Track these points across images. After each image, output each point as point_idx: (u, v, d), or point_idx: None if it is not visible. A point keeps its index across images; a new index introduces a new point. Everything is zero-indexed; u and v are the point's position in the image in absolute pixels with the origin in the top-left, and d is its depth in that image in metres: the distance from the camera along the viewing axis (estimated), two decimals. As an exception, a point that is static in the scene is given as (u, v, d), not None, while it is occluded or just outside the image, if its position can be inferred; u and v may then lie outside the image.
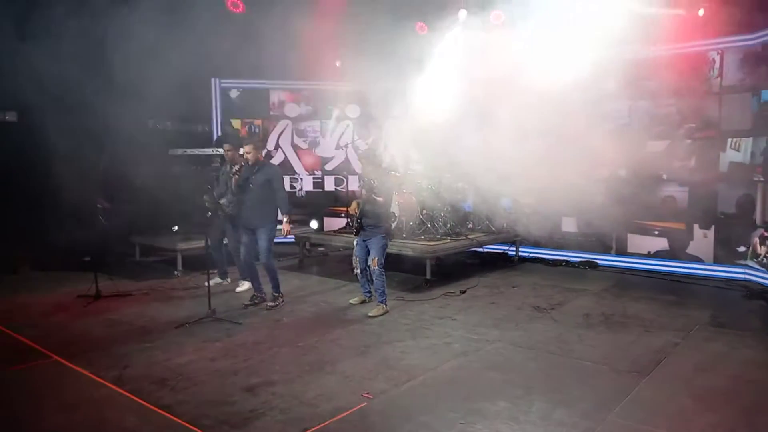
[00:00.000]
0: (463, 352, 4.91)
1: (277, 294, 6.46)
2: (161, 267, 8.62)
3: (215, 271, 7.46)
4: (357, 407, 3.83)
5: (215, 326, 5.65)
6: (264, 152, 6.75)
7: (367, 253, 6.26)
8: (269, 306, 6.35)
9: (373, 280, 6.27)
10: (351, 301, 6.59)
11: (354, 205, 6.26)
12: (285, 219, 6.39)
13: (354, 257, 6.46)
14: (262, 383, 4.23)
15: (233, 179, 6.44)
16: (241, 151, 6.65)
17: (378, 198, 6.03)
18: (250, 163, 6.33)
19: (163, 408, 3.84)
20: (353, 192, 10.63)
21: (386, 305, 6.19)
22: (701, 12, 7.51)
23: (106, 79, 7.95)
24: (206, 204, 6.52)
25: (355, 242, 6.43)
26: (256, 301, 6.47)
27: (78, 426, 3.66)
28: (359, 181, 6.72)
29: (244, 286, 7.12)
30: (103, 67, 7.84)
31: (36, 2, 7.47)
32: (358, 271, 6.43)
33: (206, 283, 6.06)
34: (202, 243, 7.06)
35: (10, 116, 9.32)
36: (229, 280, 7.49)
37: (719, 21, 7.36)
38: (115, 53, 7.78)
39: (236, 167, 6.55)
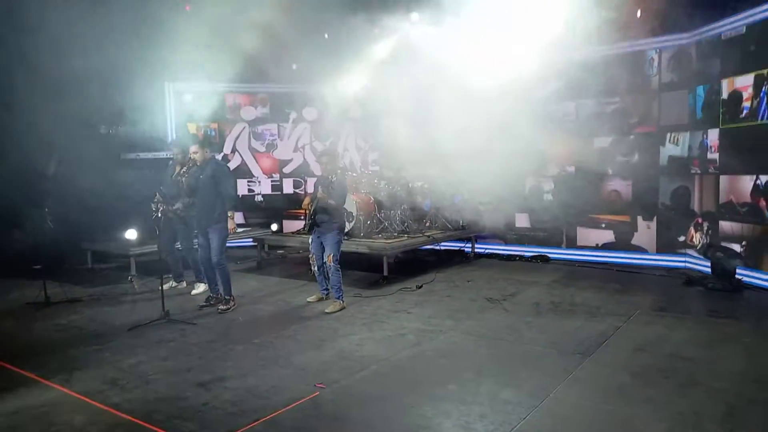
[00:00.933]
0: (417, 342, 5.02)
1: (228, 297, 6.33)
2: (114, 273, 8.47)
3: (170, 275, 7.38)
4: (310, 396, 3.89)
5: (169, 327, 5.60)
6: (213, 154, 6.69)
7: (323, 250, 6.31)
8: (221, 309, 6.22)
9: (329, 278, 6.33)
10: (308, 299, 6.62)
11: (307, 200, 6.30)
12: (229, 215, 6.25)
13: (310, 255, 6.50)
14: (216, 379, 4.24)
15: (183, 180, 6.37)
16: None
17: (330, 202, 6.07)
18: (198, 163, 6.31)
19: (112, 406, 3.81)
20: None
21: (343, 301, 6.25)
22: (638, 13, 7.90)
23: (56, 83, 7.77)
24: (156, 207, 6.47)
25: (310, 240, 6.47)
26: (212, 302, 6.42)
27: (23, 428, 3.58)
28: (316, 181, 6.75)
29: (200, 288, 7.06)
30: (52, 71, 7.65)
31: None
32: (315, 268, 6.47)
33: (160, 287, 6.00)
34: (155, 247, 6.98)
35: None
36: (184, 283, 7.42)
37: (656, 21, 7.77)
38: (63, 56, 7.61)
39: (184, 168, 6.50)
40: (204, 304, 6.42)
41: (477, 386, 3.99)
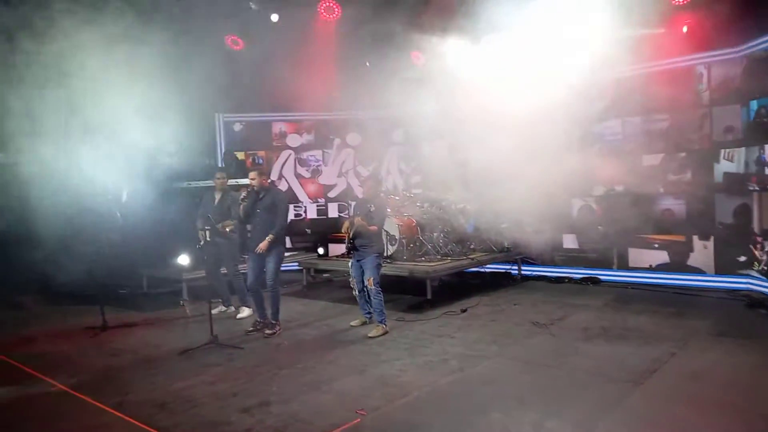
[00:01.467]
0: (459, 368, 4.95)
1: (274, 322, 6.45)
2: (168, 297, 8.74)
3: (219, 300, 7.59)
4: (351, 423, 3.89)
5: (217, 352, 5.74)
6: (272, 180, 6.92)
7: (363, 273, 6.36)
8: (267, 333, 6.33)
9: (371, 301, 6.35)
10: (351, 323, 6.67)
11: (346, 225, 6.38)
12: (268, 237, 6.29)
13: (351, 278, 6.55)
14: (259, 404, 4.31)
15: (240, 206, 6.52)
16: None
17: (371, 227, 6.13)
18: (255, 189, 6.46)
19: (161, 429, 3.92)
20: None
21: (386, 325, 6.25)
22: (685, 29, 7.70)
23: (114, 116, 8.22)
24: (203, 233, 6.70)
25: (350, 264, 6.54)
26: (258, 327, 6.53)
27: (79, 450, 3.74)
28: (355, 205, 6.86)
29: (245, 312, 7.24)
30: (109, 104, 8.11)
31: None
32: (356, 292, 6.52)
33: (209, 312, 6.18)
34: (203, 273, 7.22)
35: (1, 158, 9.64)
36: (232, 307, 7.60)
37: (705, 36, 7.54)
38: (118, 89, 8.07)
39: (243, 194, 6.71)
40: (251, 329, 6.54)
41: (521, 415, 3.90)
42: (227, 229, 7.05)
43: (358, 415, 4.01)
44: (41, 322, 7.36)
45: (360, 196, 6.63)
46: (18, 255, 8.32)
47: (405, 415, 4.04)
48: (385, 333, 6.16)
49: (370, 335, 6.11)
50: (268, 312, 6.50)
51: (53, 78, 7.51)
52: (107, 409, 4.38)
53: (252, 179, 6.48)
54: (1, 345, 6.27)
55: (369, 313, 6.53)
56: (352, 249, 6.32)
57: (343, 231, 6.47)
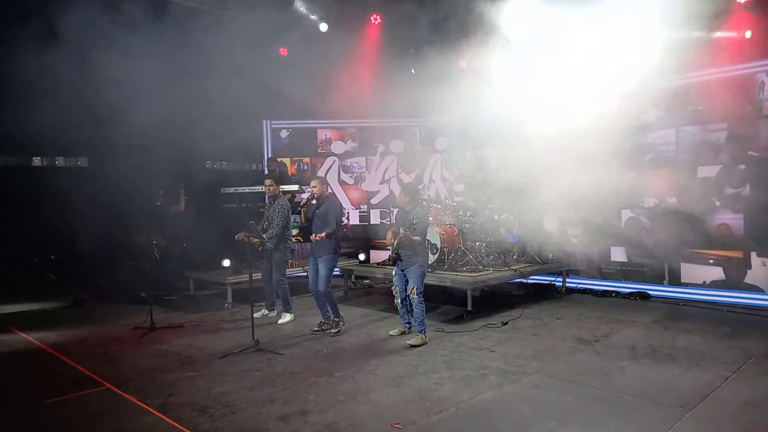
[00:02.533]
0: (498, 384, 4.86)
1: (337, 319, 6.75)
2: (213, 300, 8.98)
3: (263, 303, 7.72)
4: (386, 437, 3.87)
5: (257, 356, 5.84)
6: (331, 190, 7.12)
7: (406, 282, 6.36)
8: (333, 333, 6.65)
9: (412, 311, 6.34)
10: (391, 332, 6.67)
11: (390, 235, 6.39)
12: (319, 235, 6.59)
13: (394, 287, 6.59)
14: (296, 412, 4.34)
15: (302, 212, 6.84)
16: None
17: (415, 238, 6.17)
18: (315, 196, 6.80)
19: (201, 434, 4.01)
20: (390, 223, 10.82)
21: (425, 335, 6.24)
22: (748, 34, 7.35)
23: (166, 123, 8.53)
24: (249, 239, 6.90)
25: (394, 272, 6.55)
26: (324, 328, 6.79)
27: (122, 449, 3.87)
28: (397, 214, 6.92)
29: (286, 318, 7.36)
30: (162, 111, 8.40)
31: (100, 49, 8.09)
32: (398, 301, 6.54)
33: (252, 315, 6.30)
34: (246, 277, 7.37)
35: (82, 162, 10.16)
36: (275, 312, 7.71)
37: (766, 42, 7.18)
38: (174, 98, 8.35)
39: (304, 200, 6.94)
40: (316, 329, 6.81)
41: (560, 437, 3.78)
42: (265, 236, 7.15)
43: (394, 429, 3.99)
44: (93, 322, 7.66)
45: (400, 206, 6.67)
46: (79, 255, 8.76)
47: (441, 430, 3.99)
48: (425, 343, 6.15)
49: (409, 342, 6.13)
50: (330, 312, 6.78)
51: (109, 85, 7.87)
52: (150, 409, 4.51)
53: (313, 187, 6.86)
54: (56, 343, 6.57)
55: (408, 322, 6.53)
56: (397, 258, 6.37)
57: (387, 240, 6.50)
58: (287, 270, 7.66)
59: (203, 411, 4.44)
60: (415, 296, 6.21)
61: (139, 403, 4.65)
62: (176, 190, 9.41)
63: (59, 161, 10.14)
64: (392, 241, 6.35)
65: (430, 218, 7.67)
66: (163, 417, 4.35)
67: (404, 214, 6.47)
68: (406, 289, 6.37)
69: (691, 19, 7.26)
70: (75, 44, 7.51)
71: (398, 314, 6.70)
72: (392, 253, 6.45)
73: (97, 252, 8.80)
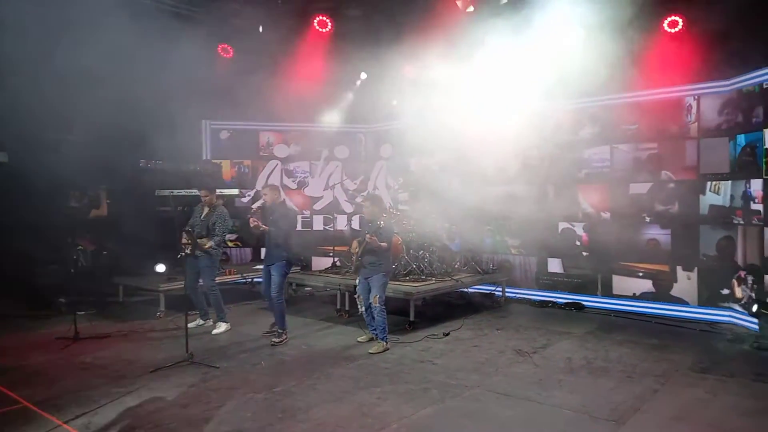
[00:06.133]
0: (440, 399, 4.84)
1: (281, 331, 6.67)
2: (143, 308, 8.54)
3: (196, 312, 7.41)
4: (326, 458, 3.75)
5: (192, 370, 5.57)
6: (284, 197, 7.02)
7: (369, 291, 6.38)
8: (274, 342, 6.55)
9: (375, 318, 6.36)
10: (359, 339, 6.72)
11: (355, 244, 6.39)
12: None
13: (357, 295, 6.61)
14: (232, 432, 4.16)
15: (250, 219, 6.68)
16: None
17: (381, 244, 6.21)
18: (267, 204, 6.80)
19: (127, 458, 3.75)
20: (350, 231, 10.72)
21: (387, 342, 6.33)
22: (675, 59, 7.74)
23: (94, 118, 8.04)
24: (185, 245, 6.63)
25: (357, 281, 6.59)
26: (273, 329, 6.79)
27: (38, 477, 3.56)
28: (361, 223, 6.96)
29: (222, 327, 7.13)
30: (93, 107, 7.93)
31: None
32: (362, 309, 6.54)
33: (186, 325, 6.01)
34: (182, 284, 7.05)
35: (1, 157, 9.40)
36: (210, 321, 7.42)
37: (695, 67, 7.60)
38: (107, 93, 7.89)
39: (254, 206, 6.77)
40: (267, 331, 6.95)
41: (502, 454, 3.79)
42: (206, 246, 6.93)
43: (334, 448, 3.88)
44: (11, 332, 7.10)
45: (365, 215, 6.70)
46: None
47: (383, 449, 3.92)
48: (386, 350, 6.27)
49: (370, 351, 6.19)
50: (276, 321, 6.74)
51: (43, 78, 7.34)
52: (72, 431, 4.19)
53: (264, 195, 6.88)
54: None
55: (375, 329, 6.49)
56: (360, 267, 6.41)
57: (352, 250, 6.50)
58: (218, 276, 7.43)
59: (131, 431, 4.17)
60: (377, 305, 6.28)
61: (59, 423, 4.32)
62: (96, 192, 8.86)
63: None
64: (356, 249, 6.36)
65: (395, 229, 7.60)
66: (86, 439, 4.06)
67: (369, 223, 6.46)
68: (369, 297, 6.39)
69: (624, 44, 7.61)
70: (5, 37, 6.96)
71: (339, 324, 6.66)
72: (356, 261, 6.47)
73: (16, 254, 8.16)
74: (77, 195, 8.57)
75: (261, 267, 9.30)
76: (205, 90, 9.32)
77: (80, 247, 7.38)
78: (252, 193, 10.98)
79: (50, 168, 7.87)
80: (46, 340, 6.69)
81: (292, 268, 7.24)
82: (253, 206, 6.78)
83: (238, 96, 9.91)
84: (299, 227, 11.18)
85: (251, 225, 6.59)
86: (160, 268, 8.60)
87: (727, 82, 7.47)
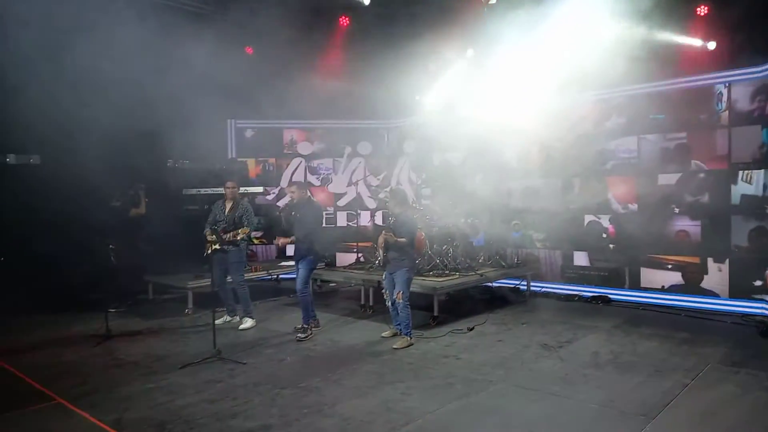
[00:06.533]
0: (465, 394, 4.83)
1: (306, 326, 6.76)
2: (173, 305, 8.71)
3: (223, 309, 7.53)
4: (351, 452, 3.79)
5: (219, 366, 5.67)
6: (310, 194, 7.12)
7: (394, 286, 6.40)
8: (299, 338, 6.63)
9: (399, 313, 6.41)
10: (383, 334, 6.75)
11: (380, 239, 6.38)
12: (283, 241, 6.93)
13: (384, 290, 6.67)
14: (259, 427, 4.22)
15: (282, 216, 6.89)
16: None
17: (400, 240, 6.24)
18: (294, 201, 6.89)
19: (158, 452, 3.85)
20: (374, 226, 10.74)
21: (411, 337, 6.36)
22: (712, 45, 7.53)
23: (124, 120, 8.21)
24: (210, 241, 6.74)
25: (383, 276, 6.65)
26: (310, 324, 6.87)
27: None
28: (384, 218, 7.04)
29: (248, 323, 7.23)
30: (121, 108, 8.09)
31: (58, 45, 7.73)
32: (389, 303, 6.59)
33: (213, 322, 6.12)
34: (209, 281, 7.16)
35: (35, 159, 9.68)
36: (237, 317, 7.53)
37: (726, 54, 7.40)
38: (134, 94, 8.05)
39: (284, 205, 6.88)
40: (298, 326, 6.90)
41: (527, 450, 3.78)
42: (238, 237, 7.01)
43: (359, 443, 3.91)
44: (46, 330, 7.32)
45: (388, 210, 6.78)
46: (24, 260, 8.34)
47: (407, 444, 3.94)
48: (410, 345, 6.29)
49: (395, 346, 6.23)
50: (302, 315, 6.83)
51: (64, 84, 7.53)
52: (104, 426, 4.31)
53: (291, 192, 6.97)
54: (5, 352, 6.23)
55: (399, 324, 6.52)
56: (386, 262, 6.48)
57: (378, 244, 6.53)
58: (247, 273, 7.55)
59: (161, 427, 4.26)
60: (401, 300, 6.32)
61: (92, 419, 4.44)
62: (136, 192, 9.07)
63: (10, 159, 9.65)
64: (381, 244, 6.37)
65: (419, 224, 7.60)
66: (118, 434, 4.17)
67: (390, 218, 6.53)
68: (394, 293, 6.43)
69: (655, 30, 7.44)
70: (32, 39, 7.15)
71: (363, 319, 6.72)
72: (381, 257, 6.53)
73: (50, 254, 8.39)
74: (118, 194, 8.77)
75: (286, 263, 9.48)
76: (230, 89, 9.44)
77: (111, 246, 7.54)
78: (276, 190, 11.09)
79: (82, 169, 8.08)
80: (79, 337, 6.88)
81: (318, 264, 7.32)
82: (279, 203, 6.88)
83: (262, 94, 10.00)
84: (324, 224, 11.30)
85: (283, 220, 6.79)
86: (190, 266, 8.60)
87: (760, 69, 7.24)
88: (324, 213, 7.56)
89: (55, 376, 5.47)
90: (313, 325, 6.87)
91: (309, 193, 7.17)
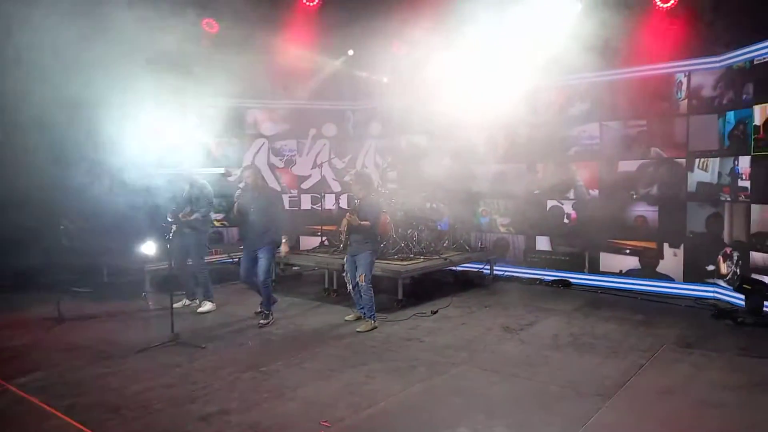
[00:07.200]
0: (428, 376, 4.84)
1: (268, 312, 6.60)
2: (129, 288, 8.42)
3: (182, 293, 7.34)
4: (314, 436, 3.74)
5: (177, 350, 5.52)
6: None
7: (356, 269, 6.34)
8: (261, 324, 6.47)
9: (362, 296, 6.36)
10: (346, 317, 6.68)
11: (344, 221, 6.30)
12: (284, 240, 6.78)
13: (345, 274, 6.57)
14: (219, 412, 4.12)
15: (234, 203, 6.51)
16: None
17: (363, 223, 6.17)
18: (249, 185, 6.54)
19: (112, 439, 3.71)
20: (338, 209, 10.64)
21: (374, 321, 6.32)
22: (667, 35, 7.66)
23: (75, 97, 7.83)
24: (169, 224, 6.53)
25: (345, 259, 6.56)
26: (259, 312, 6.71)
27: (21, 459, 3.51)
28: (349, 201, 6.90)
29: (207, 306, 7.08)
30: (76, 84, 7.71)
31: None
32: (351, 287, 6.51)
33: (171, 305, 5.95)
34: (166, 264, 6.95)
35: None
36: (197, 301, 7.35)
37: (686, 43, 7.54)
38: (89, 72, 7.67)
39: (237, 192, 6.55)
40: (258, 311, 6.74)
41: (488, 431, 3.80)
42: (191, 217, 6.81)
43: (322, 427, 3.87)
44: (-7, 312, 7.01)
45: (352, 193, 6.64)
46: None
47: (370, 427, 3.91)
48: (374, 328, 6.26)
49: (358, 330, 6.19)
50: (263, 303, 6.65)
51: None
52: (56, 412, 4.14)
53: (247, 177, 6.58)
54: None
55: (363, 307, 6.47)
56: (348, 245, 6.39)
57: (341, 227, 6.46)
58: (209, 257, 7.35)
59: (116, 412, 4.12)
60: (364, 283, 6.27)
61: (43, 405, 4.25)
62: (99, 168, 8.71)
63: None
64: (344, 227, 6.29)
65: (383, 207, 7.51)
66: (71, 421, 4.00)
67: (355, 200, 6.43)
68: (356, 276, 6.36)
69: (615, 20, 7.51)
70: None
71: (327, 303, 6.64)
72: (344, 239, 6.45)
73: (1, 235, 7.99)
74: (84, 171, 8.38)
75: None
76: (189, 66, 9.11)
77: (62, 227, 7.22)
78: (239, 172, 10.80)
79: (34, 147, 7.68)
80: (31, 321, 6.60)
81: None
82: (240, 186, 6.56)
83: (223, 72, 9.69)
84: (286, 207, 11.12)
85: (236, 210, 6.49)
86: (149, 247, 8.42)
87: (718, 59, 7.41)
88: (282, 196, 7.35)
89: (3, 361, 5.23)
90: (268, 316, 6.62)
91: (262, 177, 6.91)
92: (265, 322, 6.51)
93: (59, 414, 4.11)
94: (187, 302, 7.35)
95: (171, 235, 6.63)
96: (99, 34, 7.63)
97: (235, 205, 6.55)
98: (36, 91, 7.16)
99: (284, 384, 4.66)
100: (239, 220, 6.82)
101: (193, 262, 7.16)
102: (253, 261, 6.54)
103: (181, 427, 3.88)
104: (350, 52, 10.33)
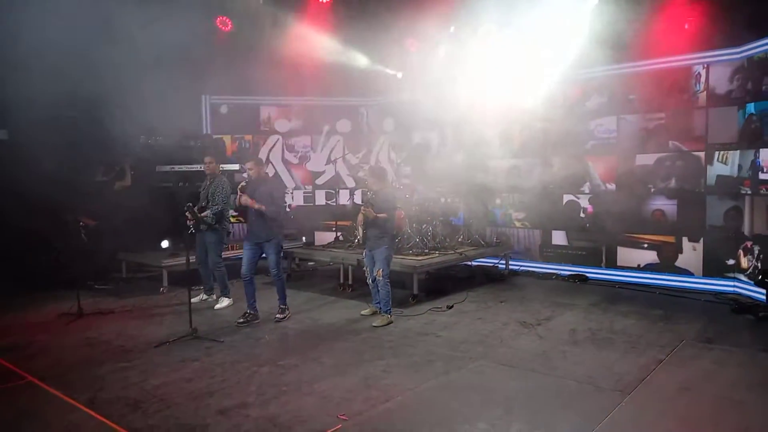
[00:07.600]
0: (445, 371, 4.83)
1: (284, 306, 6.59)
2: (147, 284, 8.54)
3: (200, 288, 7.40)
4: (331, 430, 3.75)
5: (195, 345, 5.57)
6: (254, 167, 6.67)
7: (374, 263, 6.38)
8: (277, 318, 6.47)
9: (380, 291, 6.39)
10: (362, 312, 6.70)
11: (361, 216, 6.31)
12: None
13: (364, 268, 6.63)
14: (237, 405, 4.16)
15: (238, 195, 6.36)
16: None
17: (380, 215, 6.16)
18: (252, 178, 6.46)
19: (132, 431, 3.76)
20: (353, 205, 10.64)
21: (391, 315, 6.34)
22: (686, 26, 7.54)
23: (98, 96, 7.93)
24: (188, 220, 6.57)
25: (363, 254, 6.61)
26: (249, 319, 6.39)
27: (45, 451, 3.57)
28: (362, 195, 6.89)
29: (224, 302, 7.12)
30: (94, 84, 7.79)
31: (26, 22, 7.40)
32: (370, 281, 6.55)
33: (189, 300, 6.00)
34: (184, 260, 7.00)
35: (1, 134, 9.28)
36: (214, 296, 7.41)
37: (705, 35, 7.41)
38: (106, 70, 7.76)
39: (241, 184, 6.53)
40: (242, 320, 6.35)
41: (507, 426, 3.78)
42: (202, 215, 6.84)
43: (339, 420, 3.88)
44: (15, 309, 7.10)
45: (369, 188, 6.59)
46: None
47: (387, 421, 3.91)
48: (390, 323, 6.27)
49: (374, 324, 6.21)
50: (278, 298, 6.62)
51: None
52: (78, 405, 4.21)
53: (249, 169, 6.46)
54: (-29, 332, 6.04)
55: (379, 302, 6.49)
56: (365, 240, 6.40)
57: (357, 222, 6.48)
58: (224, 252, 7.38)
59: (136, 406, 4.17)
60: (381, 278, 6.28)
61: (65, 398, 4.33)
62: (122, 166, 8.83)
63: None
64: (361, 222, 6.31)
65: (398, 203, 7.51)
66: (92, 413, 4.06)
67: (369, 193, 6.44)
68: (374, 270, 6.40)
69: (632, 10, 7.41)
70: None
71: (343, 298, 6.67)
72: (360, 235, 6.47)
73: (23, 233, 8.11)
74: (104, 169, 8.50)
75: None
76: (203, 64, 9.16)
77: (81, 224, 7.30)
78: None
79: (54, 145, 7.78)
80: (50, 317, 6.70)
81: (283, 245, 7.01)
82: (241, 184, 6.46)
83: (237, 70, 9.74)
84: (301, 202, 11.16)
85: (240, 202, 6.31)
86: (165, 243, 8.53)
87: (738, 50, 7.28)
88: (285, 190, 7.25)
89: (25, 356, 5.33)
90: (284, 310, 6.58)
91: (266, 170, 6.85)
92: (282, 316, 6.54)
93: (81, 407, 4.17)
94: (205, 297, 7.42)
95: (191, 230, 6.69)
96: (110, 34, 7.73)
97: (239, 196, 6.37)
98: (64, 93, 7.27)
99: (302, 378, 4.68)
100: (244, 211, 6.71)
101: (210, 258, 7.21)
102: (256, 254, 6.40)
103: (200, 421, 3.92)
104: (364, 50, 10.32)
